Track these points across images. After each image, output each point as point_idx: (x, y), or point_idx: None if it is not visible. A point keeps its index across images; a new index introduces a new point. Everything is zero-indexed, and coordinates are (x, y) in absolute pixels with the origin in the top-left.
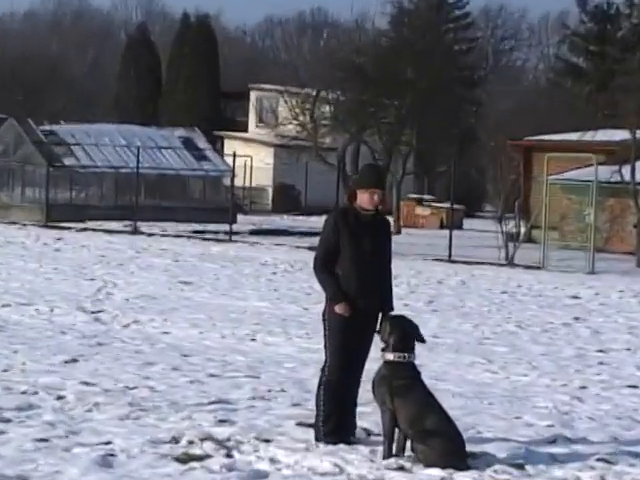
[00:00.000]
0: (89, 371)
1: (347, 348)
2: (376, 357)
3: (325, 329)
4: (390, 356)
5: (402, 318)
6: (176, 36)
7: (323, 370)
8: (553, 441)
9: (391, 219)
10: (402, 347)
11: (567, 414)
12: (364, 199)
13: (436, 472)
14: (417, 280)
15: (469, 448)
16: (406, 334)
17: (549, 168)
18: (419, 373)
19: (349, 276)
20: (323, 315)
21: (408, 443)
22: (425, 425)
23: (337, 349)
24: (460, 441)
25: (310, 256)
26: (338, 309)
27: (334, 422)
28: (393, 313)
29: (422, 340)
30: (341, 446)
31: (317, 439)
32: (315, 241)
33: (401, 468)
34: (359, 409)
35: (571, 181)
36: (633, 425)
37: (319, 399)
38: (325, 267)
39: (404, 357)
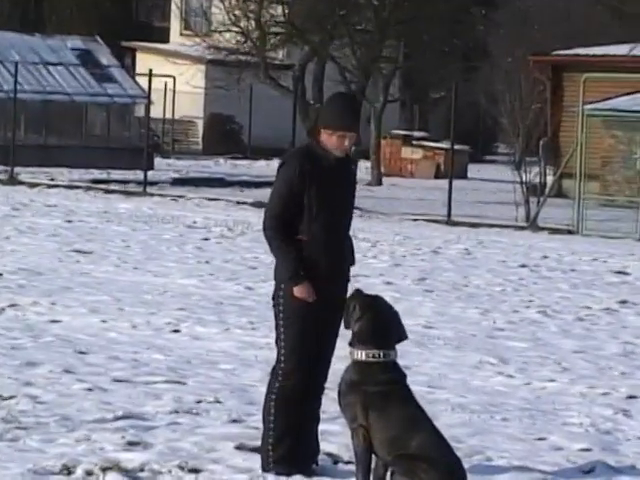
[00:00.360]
0: None
1: (308, 343)
2: (345, 355)
3: (278, 318)
4: (360, 354)
5: (377, 299)
6: None
7: (274, 373)
8: (590, 470)
9: (368, 164)
10: (377, 341)
11: (609, 433)
12: (331, 142)
13: None
14: (404, 249)
15: (475, 479)
16: (382, 322)
17: (587, 94)
18: (403, 376)
19: (318, 244)
20: (274, 298)
21: (388, 474)
22: (410, 448)
23: (295, 344)
24: (459, 471)
25: (255, 215)
26: (299, 292)
27: (288, 445)
28: (364, 292)
29: (403, 335)
30: (297, 478)
31: (264, 468)
32: (263, 195)
33: None
34: (323, 427)
35: (617, 112)
36: None
37: (268, 413)
38: (283, 230)
39: (380, 355)
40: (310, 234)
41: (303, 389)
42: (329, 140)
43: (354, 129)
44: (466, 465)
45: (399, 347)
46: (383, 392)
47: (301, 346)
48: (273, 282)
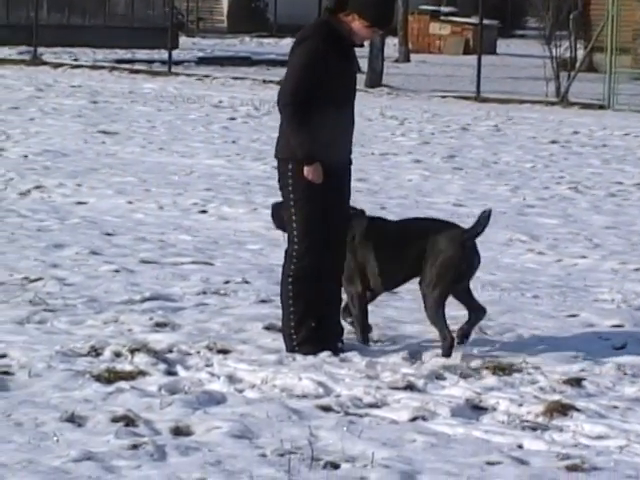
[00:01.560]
0: None
1: (320, 222)
2: None
3: (287, 199)
4: None
5: None
6: None
7: (288, 256)
8: (622, 346)
9: (395, 41)
10: None
11: None
12: (361, 31)
13: (458, 392)
14: (432, 126)
15: (505, 358)
16: None
17: None
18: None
19: (332, 124)
20: (282, 179)
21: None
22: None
23: (307, 225)
24: None
25: None
26: (309, 172)
27: (310, 326)
28: None
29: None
30: (326, 358)
31: (289, 350)
32: None
33: (410, 387)
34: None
35: None
36: None
37: (286, 297)
38: (300, 108)
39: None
40: (326, 115)
41: (318, 269)
42: (360, 29)
43: (390, 25)
44: (497, 343)
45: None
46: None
47: (313, 226)
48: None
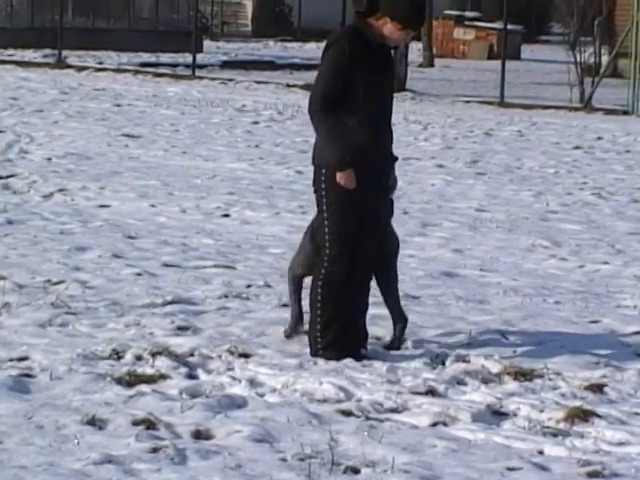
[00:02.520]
0: None
1: (353, 228)
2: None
3: (321, 203)
4: None
5: None
6: None
7: (319, 259)
8: None
9: (420, 46)
10: None
11: None
12: (394, 34)
13: (479, 397)
14: (456, 131)
15: (527, 364)
16: None
17: None
18: None
19: (365, 130)
20: (315, 183)
21: None
22: None
23: (340, 230)
24: None
25: (305, 98)
26: (342, 179)
27: (336, 330)
28: None
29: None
30: (348, 362)
31: (313, 353)
32: (314, 77)
33: (432, 392)
34: (373, 311)
35: None
36: None
37: (315, 300)
38: (331, 113)
39: None
40: (357, 119)
41: (348, 273)
42: (392, 32)
43: (421, 26)
44: (518, 348)
45: (453, 231)
46: None
47: (346, 231)
48: (312, 167)
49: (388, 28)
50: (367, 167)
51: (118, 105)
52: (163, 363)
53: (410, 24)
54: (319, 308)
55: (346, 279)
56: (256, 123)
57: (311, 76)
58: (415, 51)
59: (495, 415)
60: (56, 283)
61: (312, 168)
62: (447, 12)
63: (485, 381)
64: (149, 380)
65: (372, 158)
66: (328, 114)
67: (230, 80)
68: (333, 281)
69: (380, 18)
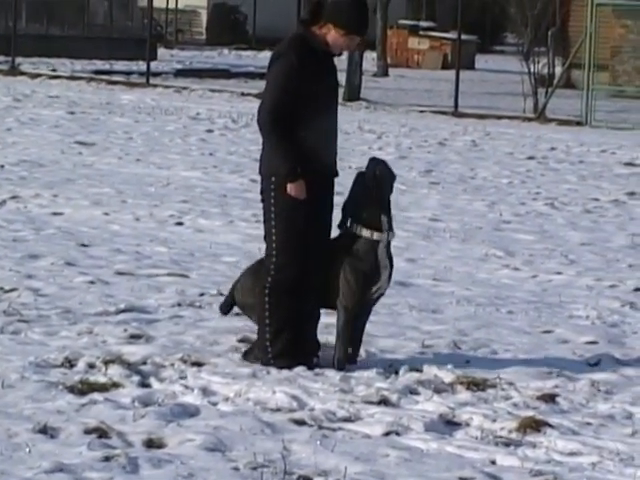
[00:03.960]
0: None
1: (300, 236)
2: None
3: (268, 212)
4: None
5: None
6: None
7: (265, 268)
8: (596, 363)
9: (374, 55)
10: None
11: (616, 326)
12: (338, 41)
13: (431, 407)
14: (410, 141)
15: (479, 374)
16: None
17: None
18: None
19: (315, 140)
20: (263, 192)
21: None
22: None
23: (287, 238)
24: None
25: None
26: (293, 189)
27: (286, 339)
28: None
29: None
30: (301, 372)
31: (264, 363)
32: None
33: (384, 401)
34: (326, 319)
35: (627, 1)
36: None
37: (262, 309)
38: (281, 124)
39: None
40: (305, 129)
41: (297, 282)
42: (336, 39)
43: (365, 33)
44: (471, 358)
45: (407, 240)
46: None
47: (293, 239)
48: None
49: (332, 35)
50: (316, 177)
51: (72, 112)
52: (116, 371)
53: (353, 30)
54: (267, 317)
55: (293, 288)
56: (210, 131)
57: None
58: (369, 60)
59: (448, 425)
60: (8, 291)
61: (262, 177)
62: (401, 22)
63: (438, 391)
64: (101, 388)
65: (320, 167)
66: (278, 125)
67: (184, 88)
68: (279, 290)
69: (324, 26)
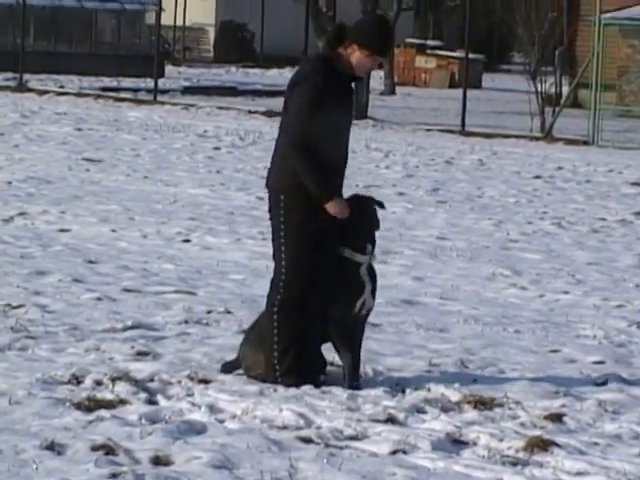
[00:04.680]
0: None
1: (309, 254)
2: None
3: (278, 229)
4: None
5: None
6: None
7: (274, 286)
8: (603, 383)
9: (381, 74)
10: None
11: (623, 346)
12: (362, 62)
13: (438, 425)
14: (417, 159)
15: (487, 393)
16: None
17: (603, 2)
18: None
19: (329, 160)
20: (271, 210)
21: None
22: None
23: (296, 255)
24: None
25: (267, 125)
26: (334, 208)
27: (293, 356)
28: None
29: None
30: (307, 389)
31: (272, 380)
32: (275, 104)
33: (391, 420)
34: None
35: (634, 21)
36: None
37: (270, 327)
38: (310, 151)
39: None
40: (324, 147)
41: (305, 299)
42: (360, 60)
43: (389, 55)
44: (478, 377)
45: (414, 258)
46: None
47: (303, 257)
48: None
49: (357, 56)
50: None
51: (79, 129)
52: (123, 388)
53: (378, 50)
54: (276, 335)
55: (302, 305)
56: (217, 149)
57: (273, 102)
58: (377, 79)
59: (455, 444)
60: (16, 307)
61: (270, 195)
62: (409, 40)
63: (445, 409)
64: (108, 405)
65: (333, 184)
66: (308, 149)
67: (192, 105)
68: (289, 307)
69: (348, 46)
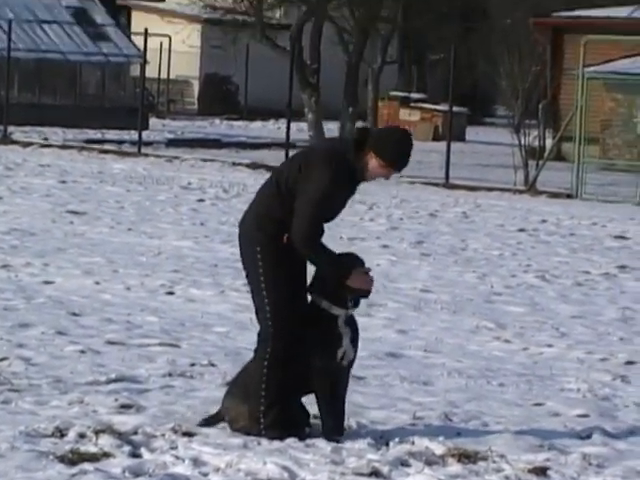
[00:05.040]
0: None
1: (292, 303)
2: None
3: (258, 282)
4: None
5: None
6: None
7: (262, 340)
8: (588, 436)
9: (366, 125)
10: None
11: (607, 400)
12: (376, 169)
13: (422, 479)
14: (401, 212)
15: (471, 446)
16: None
17: (587, 56)
18: None
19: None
20: (250, 264)
21: None
22: None
23: (280, 306)
24: None
25: (251, 177)
26: (357, 282)
27: (279, 410)
28: None
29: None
30: (291, 442)
31: (255, 433)
32: (259, 156)
33: (375, 473)
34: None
35: (617, 75)
36: None
37: (259, 380)
38: (319, 239)
39: None
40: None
41: (294, 349)
42: (375, 168)
43: (402, 169)
44: (462, 430)
45: (398, 311)
46: None
47: (287, 308)
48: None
49: (373, 163)
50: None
51: (63, 181)
52: (106, 441)
53: (395, 163)
54: (263, 389)
55: (289, 357)
56: (201, 201)
57: (257, 155)
58: None
59: None
60: None
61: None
62: (393, 93)
63: (429, 463)
64: (92, 458)
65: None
66: (317, 241)
67: (176, 158)
68: (278, 360)
69: (368, 152)
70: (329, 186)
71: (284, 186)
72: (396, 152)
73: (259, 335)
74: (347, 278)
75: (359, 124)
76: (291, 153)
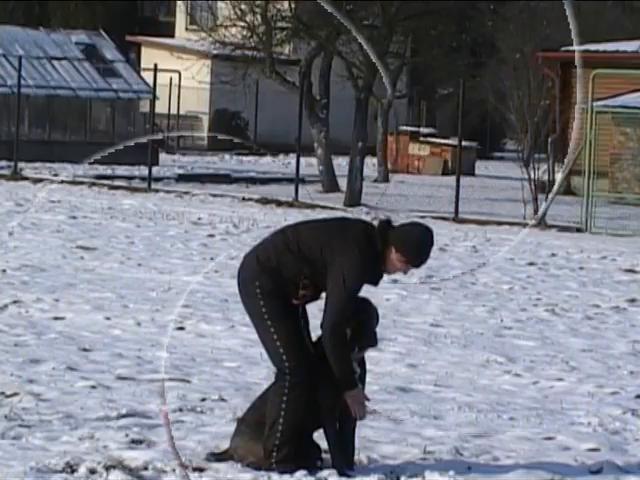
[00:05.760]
0: None
1: (302, 336)
2: None
3: (262, 320)
4: None
5: None
6: None
7: (280, 376)
8: (598, 471)
9: (374, 161)
10: None
11: (617, 433)
12: (395, 265)
13: None
14: None
15: (481, 478)
16: None
17: (596, 90)
18: None
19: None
20: (251, 302)
21: None
22: None
23: (291, 340)
24: None
25: (261, 212)
26: (354, 398)
27: (293, 444)
28: None
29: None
30: (301, 476)
31: (266, 467)
32: (269, 191)
33: None
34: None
35: (626, 108)
36: None
37: (277, 416)
38: (345, 338)
39: None
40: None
41: (310, 383)
42: (394, 262)
43: (420, 266)
44: (473, 464)
45: (408, 346)
46: None
47: (297, 340)
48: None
49: (392, 257)
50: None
51: (73, 217)
52: (117, 477)
53: (414, 261)
54: (281, 424)
55: (308, 389)
56: (212, 236)
57: (266, 190)
58: (370, 166)
59: None
60: (10, 395)
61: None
62: (402, 127)
63: None
64: None
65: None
66: (343, 335)
67: (186, 193)
68: (297, 395)
69: (389, 248)
70: (359, 278)
71: (296, 246)
72: (417, 252)
73: (276, 374)
74: (349, 390)
75: (367, 159)
76: (300, 188)
